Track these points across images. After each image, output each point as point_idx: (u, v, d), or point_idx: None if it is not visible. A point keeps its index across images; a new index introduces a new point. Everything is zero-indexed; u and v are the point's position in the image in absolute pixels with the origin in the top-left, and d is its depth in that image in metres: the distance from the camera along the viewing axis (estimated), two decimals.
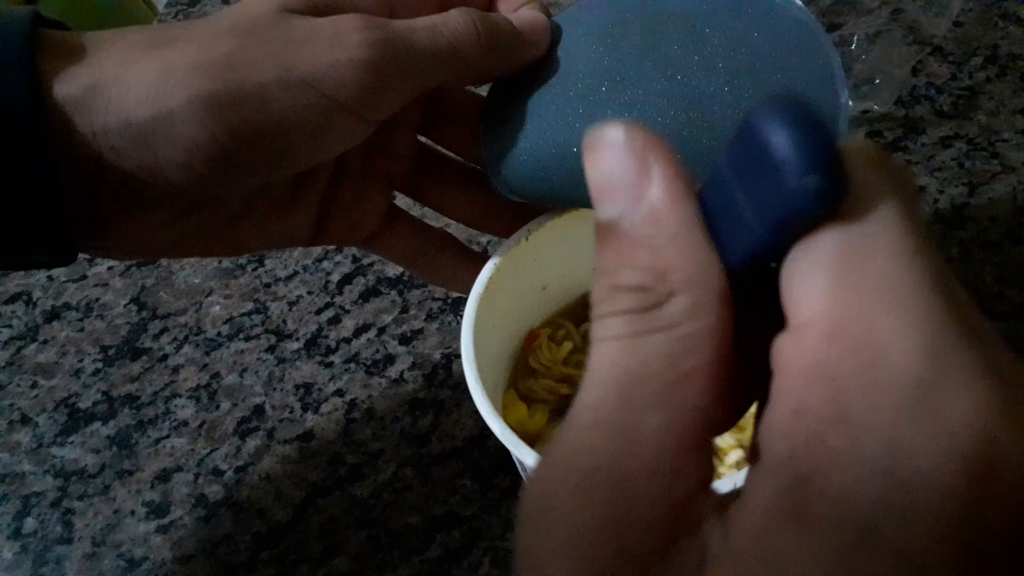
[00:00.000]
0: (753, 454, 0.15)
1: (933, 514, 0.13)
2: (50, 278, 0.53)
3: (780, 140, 0.14)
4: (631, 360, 0.16)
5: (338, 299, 0.50)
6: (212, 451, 0.44)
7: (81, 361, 0.49)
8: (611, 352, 0.16)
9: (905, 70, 0.55)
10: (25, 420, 0.47)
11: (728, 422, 0.17)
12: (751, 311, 0.17)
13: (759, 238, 0.15)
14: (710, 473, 0.16)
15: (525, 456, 0.30)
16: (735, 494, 0.15)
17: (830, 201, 0.14)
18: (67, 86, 0.26)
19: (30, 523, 0.42)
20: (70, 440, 0.45)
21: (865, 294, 0.14)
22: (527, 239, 0.35)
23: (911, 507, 0.13)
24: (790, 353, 0.15)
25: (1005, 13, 0.61)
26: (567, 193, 0.32)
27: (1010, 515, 0.13)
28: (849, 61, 0.55)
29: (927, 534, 0.13)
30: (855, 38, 0.56)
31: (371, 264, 0.51)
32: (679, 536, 0.15)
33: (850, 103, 0.54)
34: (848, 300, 0.14)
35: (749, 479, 0.15)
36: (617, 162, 0.17)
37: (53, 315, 0.51)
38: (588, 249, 0.37)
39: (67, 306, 0.52)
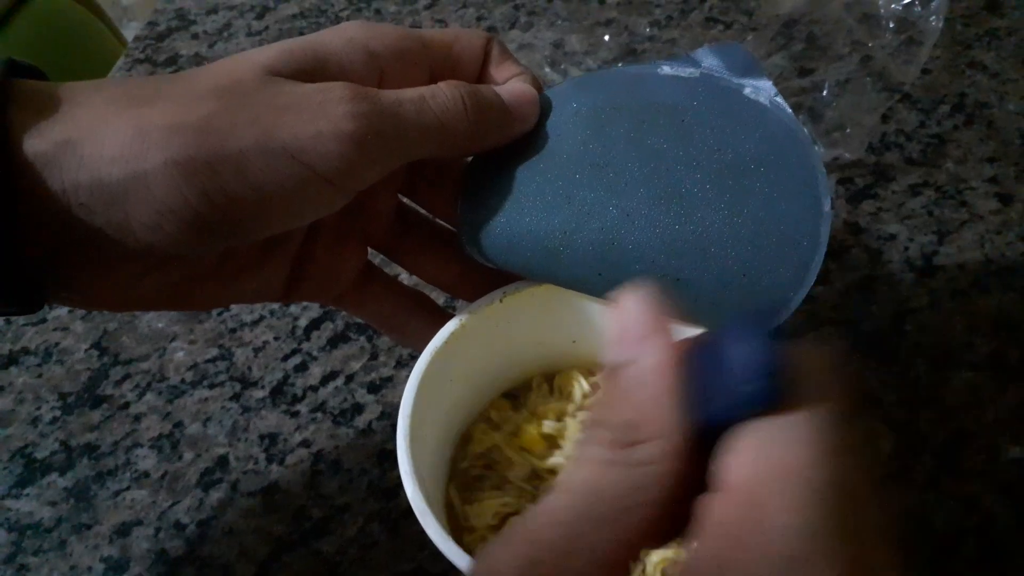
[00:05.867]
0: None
1: None
2: (8, 321, 0.52)
3: (734, 353, 0.19)
4: (598, 481, 0.20)
5: (305, 345, 0.49)
6: (174, 504, 0.43)
7: (39, 409, 0.47)
8: (585, 469, 0.20)
9: (875, 117, 0.56)
10: None
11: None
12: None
13: (714, 413, 0.20)
14: None
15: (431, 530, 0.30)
16: None
17: (760, 405, 0.19)
18: (38, 140, 0.25)
19: None
20: (26, 492, 0.44)
21: (774, 481, 0.18)
22: (501, 301, 0.34)
23: None
24: (706, 508, 0.19)
25: (972, 61, 0.62)
26: (539, 269, 0.32)
27: None
28: (821, 107, 0.56)
29: None
30: (826, 84, 0.57)
31: (340, 309, 0.51)
32: None
33: (822, 150, 0.54)
34: (760, 482, 0.18)
35: None
36: (629, 323, 0.21)
37: (11, 360, 0.50)
38: (564, 322, 0.37)
39: (25, 351, 0.50)
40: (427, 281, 0.37)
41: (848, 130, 0.54)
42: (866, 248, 0.51)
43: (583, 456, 0.20)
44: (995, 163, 0.55)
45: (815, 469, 0.18)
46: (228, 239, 0.28)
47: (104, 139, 0.25)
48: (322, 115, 0.26)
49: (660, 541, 0.20)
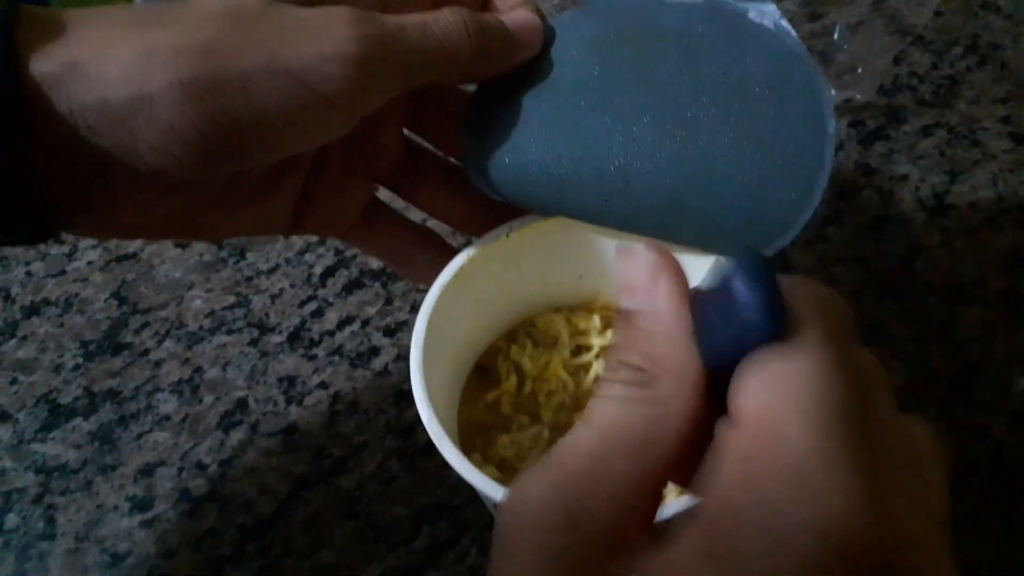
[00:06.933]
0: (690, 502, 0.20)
1: (791, 561, 0.17)
2: (28, 274, 0.52)
3: (739, 284, 0.19)
4: (620, 417, 0.20)
5: (321, 292, 0.50)
6: (195, 445, 0.44)
7: (61, 356, 0.48)
8: (606, 407, 0.21)
9: (887, 59, 0.56)
10: (5, 416, 0.46)
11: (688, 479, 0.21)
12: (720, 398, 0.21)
13: (725, 348, 0.20)
14: (652, 515, 0.20)
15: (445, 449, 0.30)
16: (667, 531, 0.19)
17: (769, 335, 0.19)
18: (45, 63, 0.25)
19: (12, 519, 0.42)
20: (51, 436, 0.45)
21: (781, 404, 0.18)
22: (507, 236, 0.35)
23: (776, 552, 0.17)
24: (722, 437, 0.19)
25: (985, 2, 0.61)
26: (547, 198, 0.32)
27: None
28: (832, 50, 0.56)
29: (782, 572, 0.17)
30: (837, 27, 0.56)
31: (354, 256, 0.51)
32: (617, 554, 0.19)
33: (833, 92, 0.54)
34: (771, 408, 0.19)
35: (682, 522, 0.19)
36: (637, 269, 0.22)
37: (32, 311, 0.51)
38: (571, 258, 0.37)
39: (46, 301, 0.51)
40: (435, 216, 0.38)
41: (859, 70, 0.54)
42: (878, 189, 0.51)
43: (602, 395, 0.21)
44: (1008, 103, 0.55)
45: (820, 390, 0.18)
46: (234, 162, 0.28)
47: (110, 61, 0.25)
48: (325, 37, 0.27)
49: (685, 474, 0.21)
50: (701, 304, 0.22)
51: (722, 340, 0.20)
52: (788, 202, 0.30)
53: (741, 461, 0.18)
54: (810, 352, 0.19)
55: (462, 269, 0.34)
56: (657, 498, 0.20)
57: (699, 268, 0.33)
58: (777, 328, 0.19)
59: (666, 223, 0.31)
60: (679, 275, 0.22)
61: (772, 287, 0.19)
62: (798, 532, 0.17)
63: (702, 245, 0.32)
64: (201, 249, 0.52)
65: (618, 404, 0.21)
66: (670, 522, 0.22)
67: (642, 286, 0.22)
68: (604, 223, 0.32)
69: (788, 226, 0.31)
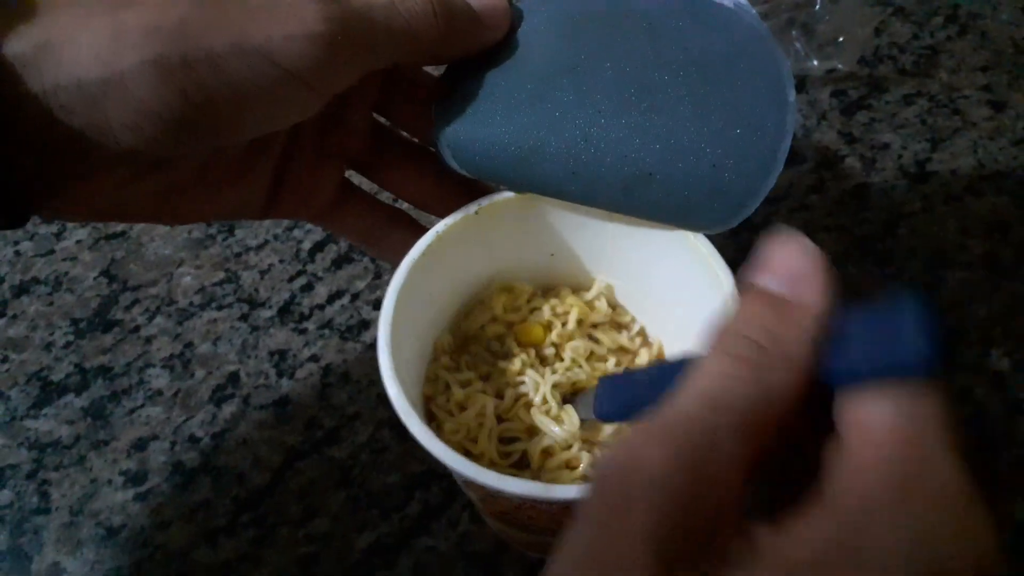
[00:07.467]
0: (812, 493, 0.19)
1: None
2: (17, 253, 0.52)
3: (916, 319, 0.19)
4: (723, 393, 0.20)
5: (310, 267, 0.50)
6: (188, 419, 0.44)
7: (52, 335, 0.48)
8: (712, 379, 0.20)
9: (868, 30, 0.56)
10: None
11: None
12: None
13: (849, 366, 0.20)
14: (744, 500, 0.20)
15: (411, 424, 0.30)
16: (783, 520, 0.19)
17: (918, 370, 0.19)
18: (17, 43, 0.25)
19: (6, 495, 0.42)
20: (44, 412, 0.45)
21: (928, 430, 0.19)
22: (476, 213, 0.35)
23: (929, 571, 0.17)
24: (851, 455, 0.19)
25: None
26: (516, 173, 0.33)
27: None
28: (814, 22, 0.56)
29: None
30: (818, 0, 0.57)
31: None
32: (732, 528, 0.19)
33: (815, 63, 0.55)
34: (914, 430, 0.19)
35: (809, 513, 0.19)
36: (795, 255, 0.22)
37: (22, 290, 0.51)
38: (541, 235, 0.37)
39: (35, 280, 0.51)
40: (406, 199, 0.38)
41: (841, 40, 0.55)
42: (860, 157, 0.51)
43: (710, 365, 0.21)
44: (988, 72, 0.55)
45: (955, 431, 0.19)
46: (207, 140, 0.28)
47: (82, 41, 0.26)
48: (294, 17, 0.27)
49: (761, 470, 0.20)
50: (844, 318, 0.21)
51: (853, 358, 0.20)
52: (751, 169, 0.31)
53: (879, 478, 0.18)
54: (939, 404, 0.19)
55: (431, 246, 0.34)
56: (743, 484, 0.20)
57: (667, 244, 0.34)
58: (933, 366, 0.19)
59: (633, 194, 0.32)
60: (832, 281, 0.21)
61: (940, 329, 0.19)
62: (955, 558, 0.17)
63: (667, 217, 0.33)
64: (190, 226, 0.53)
65: (724, 380, 0.20)
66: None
67: (795, 273, 0.21)
68: (572, 197, 0.33)
69: (752, 194, 0.31)
